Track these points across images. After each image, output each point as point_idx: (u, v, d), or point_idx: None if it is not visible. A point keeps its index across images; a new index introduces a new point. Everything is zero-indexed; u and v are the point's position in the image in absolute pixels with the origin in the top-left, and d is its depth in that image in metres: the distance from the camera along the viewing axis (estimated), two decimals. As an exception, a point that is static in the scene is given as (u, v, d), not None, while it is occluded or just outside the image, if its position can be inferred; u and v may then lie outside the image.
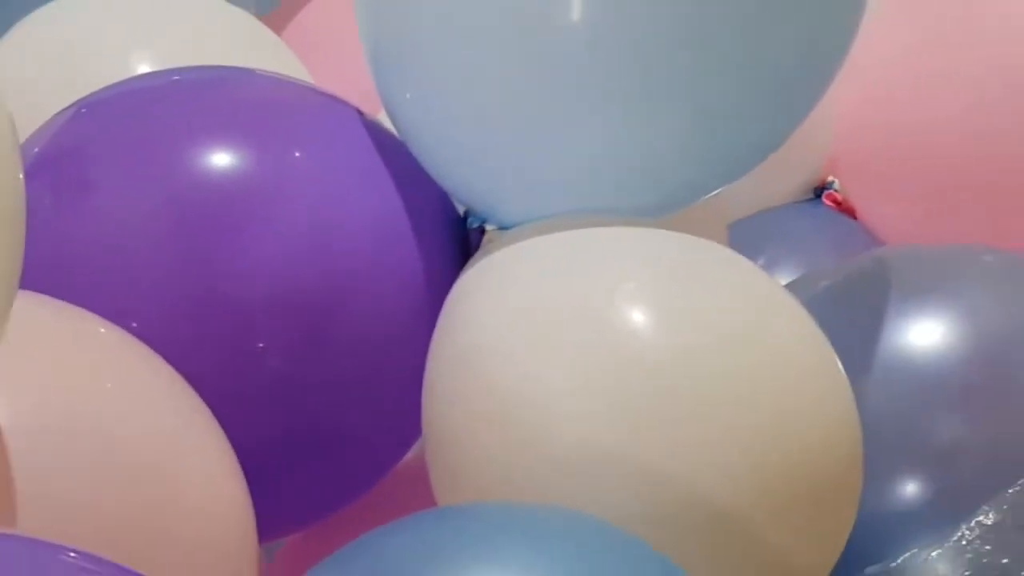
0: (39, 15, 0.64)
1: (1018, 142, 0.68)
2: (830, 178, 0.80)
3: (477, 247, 0.50)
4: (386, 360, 0.48)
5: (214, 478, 0.43)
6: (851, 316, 0.54)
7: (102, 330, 0.45)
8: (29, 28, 0.64)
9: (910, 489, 0.51)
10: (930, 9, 0.74)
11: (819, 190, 0.80)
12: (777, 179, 0.71)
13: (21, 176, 0.33)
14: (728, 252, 0.48)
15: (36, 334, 0.41)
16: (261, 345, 0.47)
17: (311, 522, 0.52)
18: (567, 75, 0.46)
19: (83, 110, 0.50)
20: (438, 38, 0.48)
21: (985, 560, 0.50)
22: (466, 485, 0.45)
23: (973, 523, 0.51)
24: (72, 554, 0.33)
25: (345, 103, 0.52)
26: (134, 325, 0.44)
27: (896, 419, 0.51)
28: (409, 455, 0.52)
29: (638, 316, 0.43)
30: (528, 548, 0.37)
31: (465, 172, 0.50)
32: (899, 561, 0.48)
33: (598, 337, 0.43)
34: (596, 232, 0.46)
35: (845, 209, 0.80)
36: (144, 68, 0.58)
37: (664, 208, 0.48)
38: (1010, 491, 0.50)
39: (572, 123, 0.46)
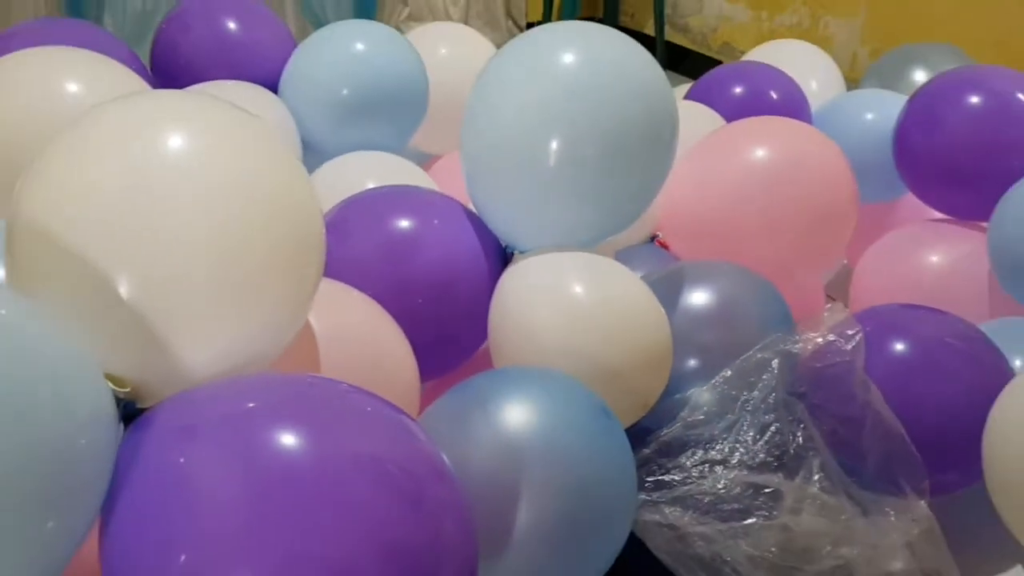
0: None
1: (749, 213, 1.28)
2: (658, 232, 1.35)
3: (510, 260, 1.07)
4: (475, 307, 1.04)
5: (403, 353, 0.98)
6: (663, 289, 1.12)
7: (355, 293, 1.00)
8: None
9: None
10: (703, 151, 1.34)
11: (652, 237, 1.37)
12: (635, 232, 1.24)
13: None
14: (610, 261, 1.04)
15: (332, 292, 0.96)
16: (420, 301, 1.04)
17: (440, 376, 1.07)
18: (551, 187, 1.02)
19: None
20: (493, 177, 1.05)
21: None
22: (504, 360, 1.02)
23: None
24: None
25: (454, 199, 1.10)
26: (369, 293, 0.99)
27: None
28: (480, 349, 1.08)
29: (582, 288, 0.99)
30: (534, 380, 0.90)
31: (504, 227, 1.07)
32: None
33: (553, 296, 1.00)
34: (561, 253, 1.01)
35: (663, 245, 1.36)
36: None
37: (592, 243, 1.03)
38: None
39: (553, 208, 1.03)
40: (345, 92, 1.38)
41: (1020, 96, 1.40)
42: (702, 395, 0.98)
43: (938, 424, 1.05)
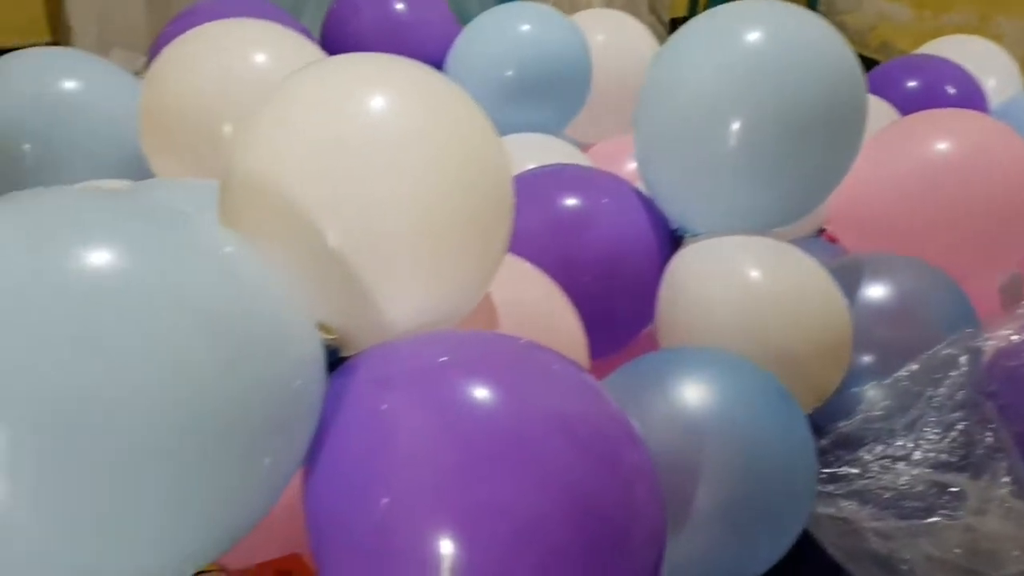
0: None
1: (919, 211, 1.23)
2: (826, 225, 1.33)
3: (680, 243, 1.06)
4: (642, 289, 1.03)
5: (575, 330, 0.98)
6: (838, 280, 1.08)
7: (528, 267, 1.00)
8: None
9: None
10: (879, 143, 1.26)
11: (820, 230, 1.34)
12: (803, 225, 1.20)
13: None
14: (788, 245, 1.01)
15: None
16: (586, 279, 1.03)
17: (601, 356, 1.07)
18: (728, 169, 1.00)
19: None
20: (668, 157, 1.04)
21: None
22: (674, 343, 1.01)
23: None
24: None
25: (623, 179, 1.09)
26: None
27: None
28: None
29: (760, 272, 0.97)
30: (713, 360, 0.90)
31: (676, 209, 1.06)
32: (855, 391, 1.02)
33: (730, 279, 0.97)
34: (737, 236, 1.00)
35: (831, 239, 1.36)
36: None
37: (765, 229, 1.00)
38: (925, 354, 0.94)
39: (729, 191, 1.00)
40: (510, 73, 1.39)
41: None
42: (883, 390, 0.94)
43: None
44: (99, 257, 0.52)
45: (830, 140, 0.99)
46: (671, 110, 1.02)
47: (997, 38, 2.73)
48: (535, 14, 1.43)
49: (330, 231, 0.65)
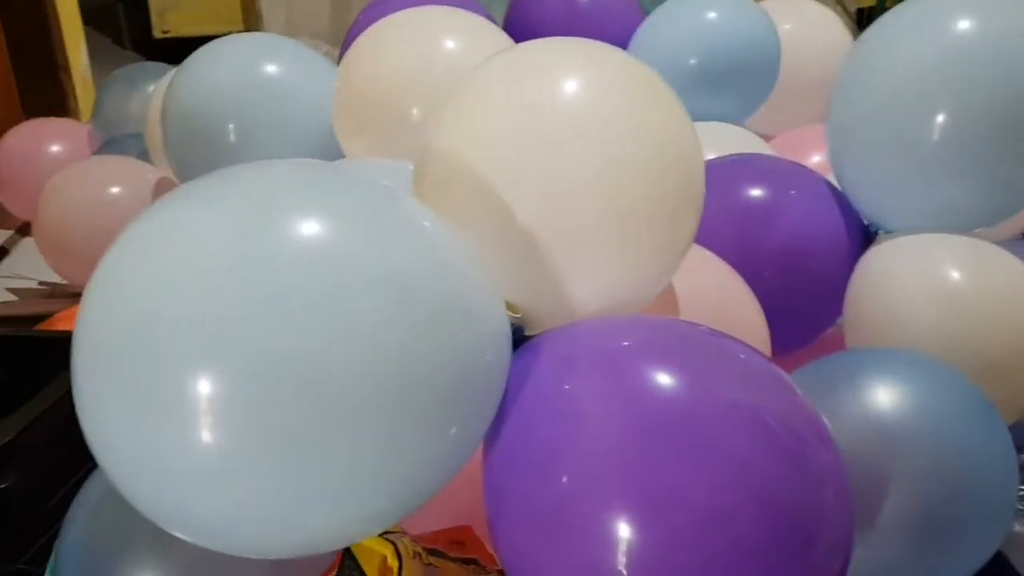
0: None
1: None
2: None
3: (873, 239, 1.01)
4: (830, 285, 0.99)
5: (759, 323, 0.94)
6: None
7: (713, 257, 0.98)
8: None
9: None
10: None
11: (1025, 233, 1.27)
12: (1007, 227, 1.08)
13: None
14: (991, 245, 0.94)
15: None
16: (771, 272, 1.00)
17: (784, 352, 1.04)
18: (932, 164, 0.93)
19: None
20: (865, 150, 0.98)
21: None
22: (863, 343, 0.96)
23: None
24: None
25: (814, 171, 1.05)
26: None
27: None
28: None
29: (961, 273, 0.91)
30: (909, 362, 0.83)
31: (870, 205, 1.01)
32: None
33: (928, 280, 0.92)
34: (936, 235, 0.93)
35: None
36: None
37: (967, 229, 0.94)
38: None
39: (930, 188, 0.94)
40: (693, 62, 1.37)
41: None
42: None
43: None
44: (310, 228, 0.54)
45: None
46: (870, 101, 0.97)
47: None
48: (723, 1, 1.40)
49: (520, 213, 0.66)
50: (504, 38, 1.13)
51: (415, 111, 1.07)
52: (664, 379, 0.59)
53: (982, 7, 0.94)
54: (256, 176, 0.58)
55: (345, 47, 1.36)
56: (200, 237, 0.54)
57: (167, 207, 0.57)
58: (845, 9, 3.91)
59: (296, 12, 3.71)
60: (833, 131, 1.02)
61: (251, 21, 3.75)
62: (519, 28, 1.52)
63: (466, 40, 1.10)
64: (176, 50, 3.86)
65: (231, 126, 1.21)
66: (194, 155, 1.23)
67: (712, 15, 1.38)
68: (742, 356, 0.63)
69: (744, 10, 1.41)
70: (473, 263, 0.63)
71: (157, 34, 3.78)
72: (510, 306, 0.66)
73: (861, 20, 3.92)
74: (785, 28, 1.58)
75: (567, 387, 0.61)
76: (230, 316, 0.52)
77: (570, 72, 0.70)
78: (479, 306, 0.61)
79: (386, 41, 1.12)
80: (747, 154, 1.10)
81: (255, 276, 0.52)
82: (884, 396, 0.75)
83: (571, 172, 0.67)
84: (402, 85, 1.08)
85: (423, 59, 1.08)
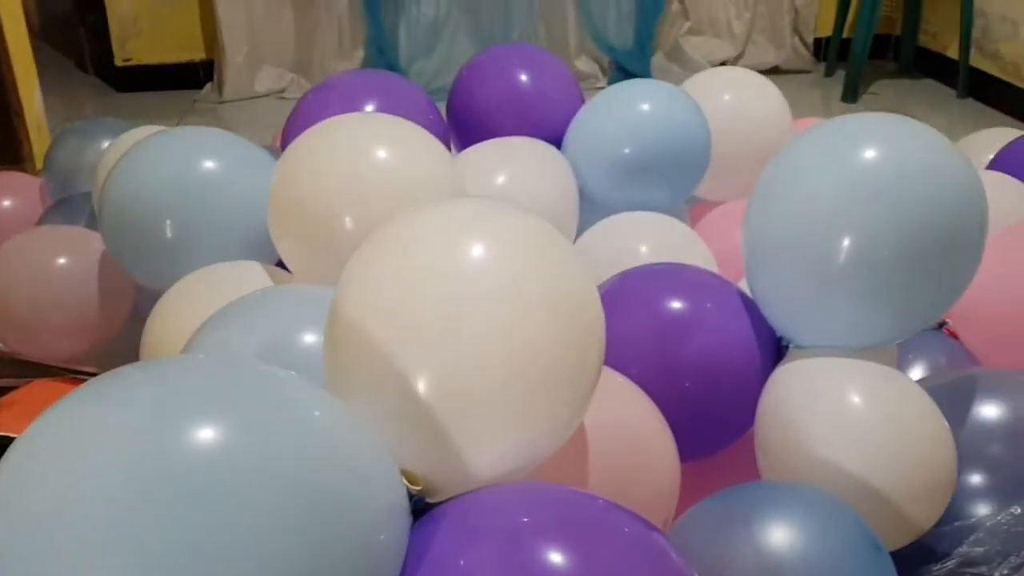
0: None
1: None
2: (947, 319, 1.28)
3: (784, 353, 1.05)
4: (743, 395, 1.03)
5: (665, 446, 0.99)
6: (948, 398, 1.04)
7: (620, 379, 1.02)
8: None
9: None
10: (1009, 239, 1.24)
11: (941, 324, 1.29)
12: None
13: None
14: (896, 372, 1.00)
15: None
16: (687, 384, 1.04)
17: (701, 457, 1.06)
18: (838, 285, 0.98)
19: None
20: (776, 267, 1.03)
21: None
22: (769, 454, 1.01)
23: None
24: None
25: (729, 283, 1.09)
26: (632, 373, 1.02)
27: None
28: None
29: (862, 400, 0.96)
30: (803, 501, 0.87)
31: (782, 319, 1.05)
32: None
33: (829, 404, 0.96)
34: (841, 359, 0.97)
35: (952, 334, 1.29)
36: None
37: (877, 346, 0.98)
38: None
39: (838, 307, 0.98)
40: (627, 151, 1.41)
41: None
42: (985, 529, 0.91)
43: None
44: (205, 434, 0.57)
45: (948, 263, 0.97)
46: (782, 221, 1.01)
47: None
48: (657, 93, 1.44)
49: (420, 380, 0.68)
50: (441, 151, 1.15)
51: (347, 220, 1.09)
52: (555, 557, 0.63)
53: (888, 138, 0.98)
54: (157, 378, 0.61)
55: (286, 134, 1.39)
56: (98, 441, 0.57)
57: (63, 411, 0.60)
58: (802, 40, 3.98)
59: (259, 42, 3.72)
60: (748, 242, 1.06)
61: (214, 50, 3.75)
62: (461, 110, 1.55)
63: (401, 150, 1.12)
64: (139, 77, 3.84)
65: (168, 223, 1.23)
66: (131, 251, 1.25)
67: (645, 107, 1.42)
68: (628, 530, 0.67)
69: (677, 102, 1.45)
70: (369, 441, 0.66)
71: (119, 62, 3.78)
72: (410, 476, 0.69)
73: (818, 51, 3.99)
74: (725, 99, 1.63)
75: (462, 563, 0.64)
76: (128, 518, 0.54)
77: (472, 237, 0.73)
78: (374, 485, 0.64)
79: (320, 147, 1.14)
80: (667, 265, 1.13)
81: (152, 481, 0.55)
82: (778, 537, 0.79)
83: (472, 339, 0.70)
84: (334, 194, 1.10)
85: (356, 168, 1.11)
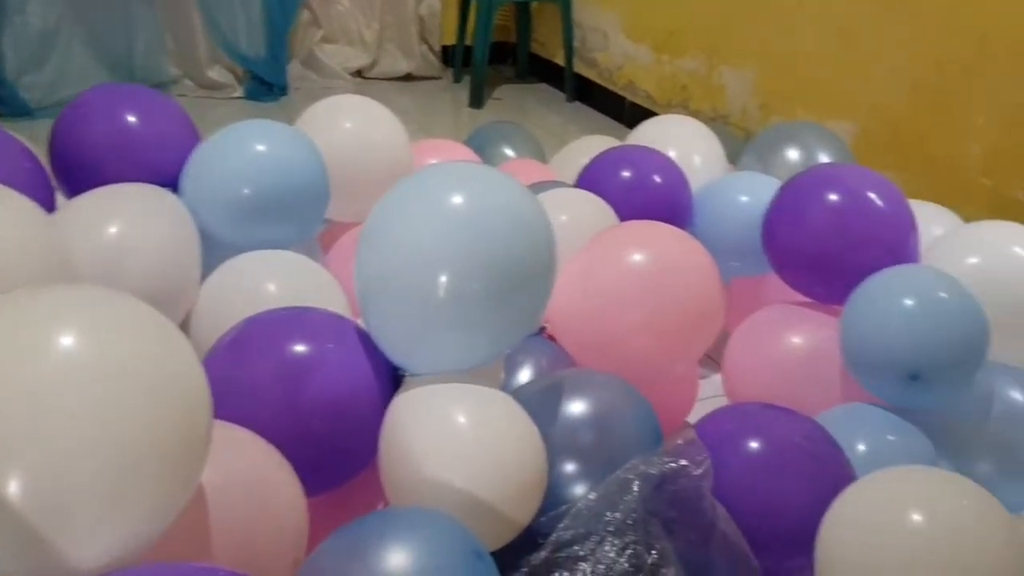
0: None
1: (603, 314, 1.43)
2: (546, 324, 1.49)
3: (401, 381, 1.16)
4: (367, 427, 1.12)
5: (291, 494, 1.04)
6: (543, 401, 1.23)
7: (239, 433, 1.05)
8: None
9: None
10: (589, 254, 1.47)
11: (541, 329, 1.49)
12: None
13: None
14: (494, 392, 1.14)
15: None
16: (314, 422, 1.11)
17: (331, 489, 1.14)
18: (440, 318, 1.10)
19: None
20: (385, 305, 1.13)
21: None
22: (392, 482, 1.11)
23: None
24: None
25: (349, 321, 1.17)
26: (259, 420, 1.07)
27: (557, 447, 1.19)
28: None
29: (466, 419, 1.10)
30: (412, 525, 0.97)
31: (395, 352, 1.15)
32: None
33: (434, 426, 1.08)
34: (446, 385, 1.08)
35: (551, 338, 1.49)
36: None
37: (483, 364, 1.13)
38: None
39: (441, 337, 1.11)
40: (247, 191, 1.44)
41: (871, 195, 1.54)
42: (570, 516, 1.06)
43: (785, 518, 1.18)
44: None
45: (528, 288, 1.12)
46: (387, 261, 1.11)
47: (720, 88, 3.04)
48: (272, 133, 1.48)
49: (8, 479, 0.68)
50: (40, 217, 1.11)
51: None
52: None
53: (471, 184, 1.12)
54: None
55: None
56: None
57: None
58: (431, 48, 4.19)
59: None
60: (359, 283, 1.15)
61: None
62: (65, 152, 1.47)
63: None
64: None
65: None
66: None
67: (260, 147, 1.45)
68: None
69: (292, 141, 1.50)
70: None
71: None
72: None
73: (447, 58, 4.22)
74: (346, 127, 1.72)
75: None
76: None
77: (68, 320, 0.74)
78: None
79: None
80: (287, 309, 1.19)
81: None
82: (391, 565, 0.88)
83: (60, 432, 0.69)
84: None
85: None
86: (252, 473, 0.95)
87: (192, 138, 1.53)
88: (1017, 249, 1.53)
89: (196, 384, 0.79)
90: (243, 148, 1.45)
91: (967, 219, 1.78)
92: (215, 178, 1.44)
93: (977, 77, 2.22)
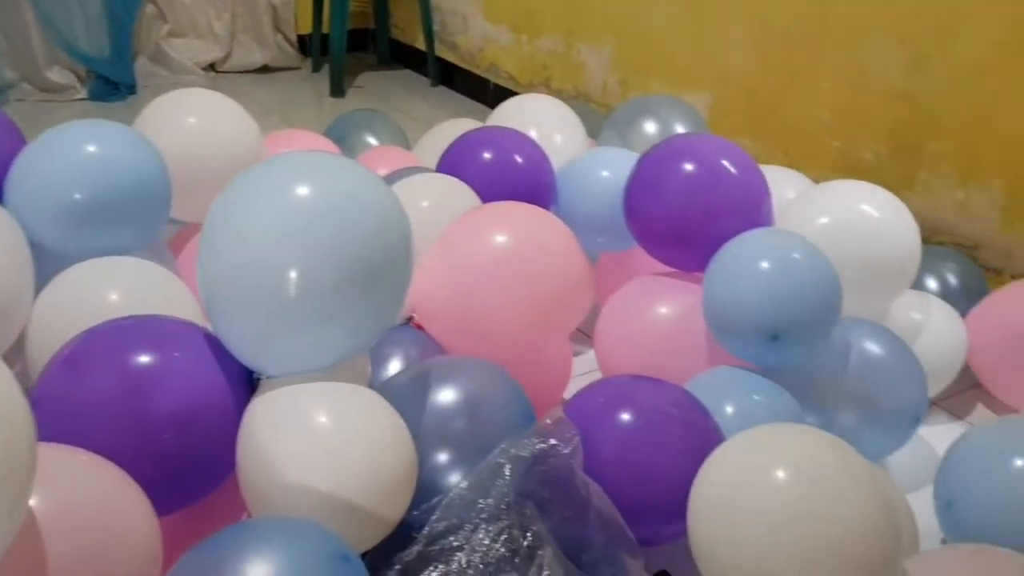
0: None
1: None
2: (412, 313, 1.45)
3: (257, 386, 1.10)
4: (222, 437, 1.06)
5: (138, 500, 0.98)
6: (412, 390, 1.20)
7: (83, 456, 0.96)
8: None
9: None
10: (451, 238, 1.43)
11: (408, 319, 1.46)
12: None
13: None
14: (356, 388, 1.08)
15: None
16: (165, 436, 1.04)
17: (188, 505, 1.07)
18: (292, 315, 1.04)
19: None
20: (234, 306, 1.06)
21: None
22: (252, 491, 1.06)
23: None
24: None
25: (196, 326, 1.11)
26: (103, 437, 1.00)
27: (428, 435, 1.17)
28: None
29: (327, 419, 1.06)
30: (272, 535, 0.90)
31: (248, 354, 1.09)
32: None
33: (294, 428, 1.01)
34: (304, 384, 1.03)
35: (418, 327, 1.45)
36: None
37: (341, 362, 1.08)
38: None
39: (296, 335, 1.04)
40: (78, 196, 1.34)
41: (726, 164, 1.57)
42: (442, 507, 1.03)
43: (658, 486, 1.19)
44: None
45: (384, 279, 1.07)
46: (231, 259, 1.05)
47: (579, 65, 3.06)
48: (101, 132, 1.39)
49: None
50: None
51: None
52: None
53: (317, 174, 1.07)
54: None
55: None
56: None
57: None
58: (286, 38, 4.07)
59: None
60: (202, 284, 1.08)
61: None
62: None
63: None
64: None
65: None
66: None
67: (91, 147, 1.36)
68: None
69: (125, 139, 1.41)
70: None
71: None
72: None
73: (304, 48, 4.11)
74: (191, 122, 1.63)
75: None
76: None
77: None
78: None
79: None
80: (127, 320, 1.11)
81: None
82: (251, 571, 0.84)
83: None
84: None
85: None
86: (94, 497, 0.89)
87: (16, 142, 1.42)
88: (865, 207, 1.60)
89: (11, 407, 0.73)
90: (71, 149, 1.36)
91: (818, 180, 1.84)
92: (42, 183, 1.34)
93: (820, 45, 2.30)
